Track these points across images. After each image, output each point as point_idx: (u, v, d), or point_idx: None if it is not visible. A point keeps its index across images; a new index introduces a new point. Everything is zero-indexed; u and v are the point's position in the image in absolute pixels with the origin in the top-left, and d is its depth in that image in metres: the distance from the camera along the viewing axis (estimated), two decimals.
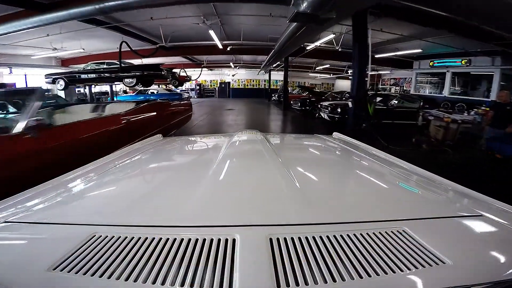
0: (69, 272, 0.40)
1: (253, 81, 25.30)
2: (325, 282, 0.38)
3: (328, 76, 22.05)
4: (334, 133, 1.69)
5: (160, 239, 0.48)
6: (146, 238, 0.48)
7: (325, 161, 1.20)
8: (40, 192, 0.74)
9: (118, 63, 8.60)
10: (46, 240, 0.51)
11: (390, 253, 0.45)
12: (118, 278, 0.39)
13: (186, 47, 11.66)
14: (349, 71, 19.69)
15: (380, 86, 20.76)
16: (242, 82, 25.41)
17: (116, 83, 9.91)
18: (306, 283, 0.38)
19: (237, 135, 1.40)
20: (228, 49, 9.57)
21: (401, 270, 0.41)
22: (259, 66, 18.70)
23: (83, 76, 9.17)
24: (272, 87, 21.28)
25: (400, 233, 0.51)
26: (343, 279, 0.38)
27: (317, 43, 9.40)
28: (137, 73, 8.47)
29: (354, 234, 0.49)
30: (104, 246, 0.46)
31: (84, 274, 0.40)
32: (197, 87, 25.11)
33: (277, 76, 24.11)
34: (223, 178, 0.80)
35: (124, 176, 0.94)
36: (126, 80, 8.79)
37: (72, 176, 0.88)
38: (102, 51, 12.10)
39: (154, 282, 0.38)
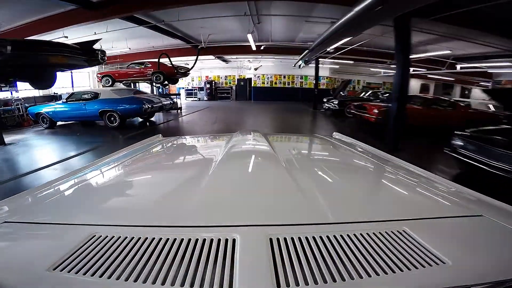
0: (69, 272, 0.41)
1: (283, 77, 18.06)
2: (325, 282, 0.39)
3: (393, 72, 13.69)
4: (334, 133, 1.71)
5: (160, 239, 0.48)
6: (146, 238, 0.48)
7: (325, 161, 1.21)
8: (40, 192, 0.76)
9: None
10: (46, 240, 0.52)
11: (390, 253, 0.45)
12: (118, 278, 0.39)
13: None
14: (458, 66, 11.25)
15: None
16: (268, 78, 18.18)
17: None
18: (306, 283, 0.38)
19: (237, 135, 1.38)
20: None
21: (401, 270, 0.42)
22: (296, 53, 11.33)
23: None
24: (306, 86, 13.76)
25: (400, 233, 0.51)
26: (343, 279, 0.39)
27: None
28: None
29: (354, 234, 0.50)
30: (104, 246, 0.47)
31: (84, 274, 0.40)
32: (208, 86, 18.56)
33: (320, 70, 16.53)
34: (223, 178, 0.79)
35: (124, 176, 0.95)
36: None
37: (72, 176, 0.90)
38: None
39: (154, 282, 0.38)
